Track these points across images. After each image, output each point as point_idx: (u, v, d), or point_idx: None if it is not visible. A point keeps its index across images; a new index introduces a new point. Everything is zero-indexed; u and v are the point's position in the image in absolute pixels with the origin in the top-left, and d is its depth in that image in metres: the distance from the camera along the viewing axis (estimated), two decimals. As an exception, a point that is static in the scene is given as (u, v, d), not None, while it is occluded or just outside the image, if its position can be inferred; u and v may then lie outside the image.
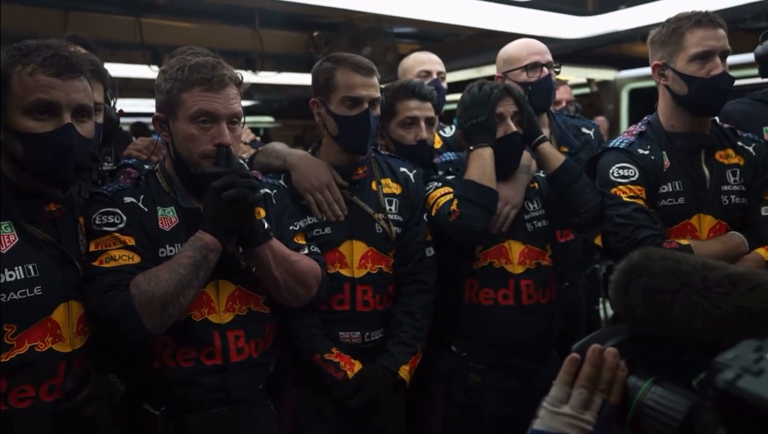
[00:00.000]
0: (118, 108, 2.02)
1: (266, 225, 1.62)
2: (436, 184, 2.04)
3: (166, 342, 1.54)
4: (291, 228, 1.74)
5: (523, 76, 2.30)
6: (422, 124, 2.13)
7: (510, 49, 2.40)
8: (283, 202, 1.78)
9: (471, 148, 1.96)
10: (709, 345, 0.81)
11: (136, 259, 1.49)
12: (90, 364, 1.44)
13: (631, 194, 1.84)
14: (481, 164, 1.92)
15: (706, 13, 1.83)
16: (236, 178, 1.48)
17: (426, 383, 2.04)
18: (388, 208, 1.95)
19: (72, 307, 1.41)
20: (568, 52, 4.72)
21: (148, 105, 7.23)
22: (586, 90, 6.25)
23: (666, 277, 0.89)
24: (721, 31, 1.82)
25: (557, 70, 2.37)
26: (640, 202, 1.83)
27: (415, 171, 2.04)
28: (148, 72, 4.76)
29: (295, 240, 1.73)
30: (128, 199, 1.56)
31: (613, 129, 5.46)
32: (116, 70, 5.25)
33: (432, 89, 2.21)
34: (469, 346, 2.02)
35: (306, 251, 1.72)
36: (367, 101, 1.85)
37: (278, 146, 2.06)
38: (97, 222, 1.51)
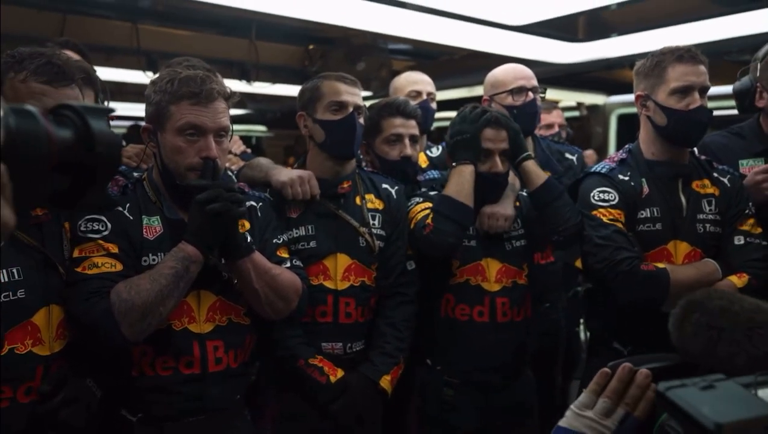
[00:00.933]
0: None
1: (249, 238, 1.65)
2: (418, 199, 2.09)
3: (145, 351, 1.56)
4: (274, 241, 1.77)
5: (509, 100, 2.36)
6: (406, 141, 2.19)
7: (497, 73, 2.47)
8: (268, 215, 1.80)
9: (453, 164, 2.00)
10: None
11: (119, 267, 1.52)
12: (68, 368, 1.46)
13: (611, 217, 1.90)
14: (460, 181, 1.96)
15: (689, 50, 1.89)
16: (221, 191, 1.51)
17: (402, 395, 2.06)
18: (371, 222, 1.99)
19: (53, 311, 1.43)
20: (559, 75, 4.80)
21: (142, 109, 7.24)
22: (576, 113, 6.32)
23: (716, 315, 0.98)
24: (702, 68, 1.89)
25: (542, 94, 2.43)
26: (619, 225, 1.89)
27: (396, 187, 2.10)
28: (143, 77, 4.77)
29: (278, 253, 1.76)
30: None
31: (602, 151, 5.54)
32: (111, 74, 5.29)
33: (416, 107, 2.27)
34: (444, 360, 2.05)
35: (288, 265, 1.75)
36: (352, 106, 1.91)
37: (263, 161, 2.11)
38: (81, 228, 1.53)
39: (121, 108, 7.22)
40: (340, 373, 1.88)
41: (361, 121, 1.98)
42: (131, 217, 1.59)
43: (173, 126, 1.56)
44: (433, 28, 3.97)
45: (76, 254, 1.51)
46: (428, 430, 2.07)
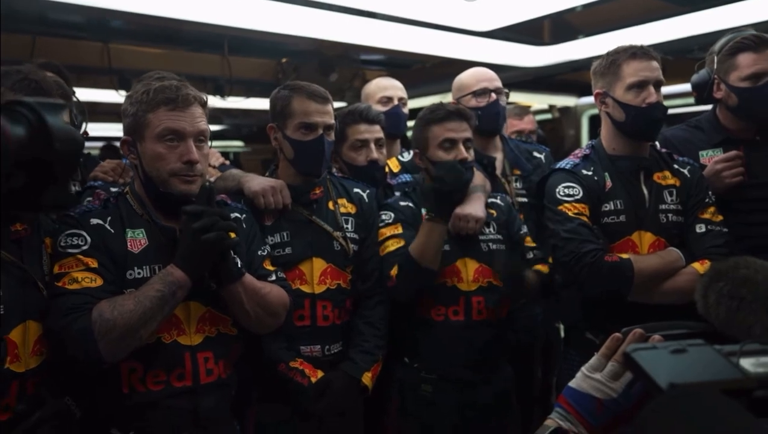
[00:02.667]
0: (82, 131, 2.05)
1: (239, 263, 1.63)
2: (387, 218, 2.10)
3: (134, 367, 1.54)
4: (260, 253, 1.78)
5: (473, 102, 2.43)
6: (372, 145, 2.23)
7: (462, 77, 2.55)
8: (252, 226, 1.82)
9: (426, 216, 1.97)
10: None
11: (99, 282, 1.50)
12: (45, 386, 1.44)
13: (576, 211, 1.95)
14: (429, 242, 1.94)
15: (641, 47, 1.97)
16: (217, 219, 1.51)
17: (381, 393, 2.09)
18: (345, 226, 2.03)
19: (29, 327, 1.42)
20: (529, 79, 4.89)
21: (116, 129, 7.21)
22: (549, 116, 6.43)
23: (739, 284, 0.99)
24: (655, 63, 1.96)
25: (507, 95, 2.49)
26: (584, 218, 1.95)
27: (368, 191, 2.13)
28: (116, 96, 4.76)
29: (264, 265, 1.77)
30: (95, 221, 1.58)
31: (573, 152, 5.64)
32: (84, 94, 5.25)
33: (379, 112, 2.32)
34: (421, 358, 2.08)
35: (274, 277, 1.76)
36: (321, 127, 1.93)
37: (235, 171, 2.14)
38: (61, 244, 1.52)
39: (95, 128, 7.16)
40: (320, 374, 1.90)
41: (331, 137, 2.00)
42: (113, 231, 1.58)
43: (152, 133, 1.56)
44: (403, 37, 4.04)
45: (56, 270, 1.50)
46: (407, 426, 2.09)
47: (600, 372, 0.97)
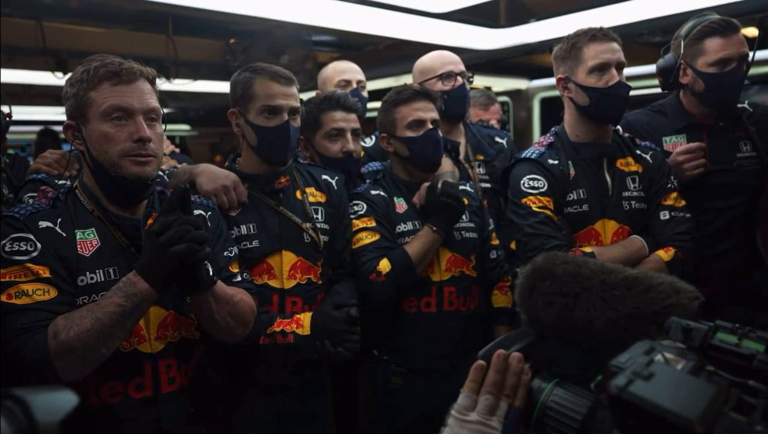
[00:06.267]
0: (6, 112, 1.87)
1: (210, 271, 1.50)
2: (361, 207, 2.04)
3: (87, 378, 1.39)
4: (225, 254, 1.66)
5: (439, 85, 2.37)
6: (348, 135, 2.13)
7: (425, 60, 2.47)
8: (219, 225, 1.69)
9: (433, 227, 1.99)
10: (610, 346, 0.85)
11: (53, 293, 1.35)
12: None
13: (540, 205, 1.93)
14: (429, 251, 1.98)
15: (601, 29, 1.95)
16: (187, 229, 1.33)
17: (350, 383, 2.07)
18: (314, 216, 1.94)
19: None
20: (481, 62, 4.88)
21: (53, 112, 6.83)
22: (505, 98, 6.46)
23: (567, 281, 0.93)
24: (615, 45, 1.94)
25: (471, 79, 2.45)
26: (548, 212, 1.92)
27: (336, 177, 2.04)
28: (52, 78, 4.49)
29: (230, 268, 1.66)
30: (44, 224, 1.41)
31: (526, 134, 5.69)
32: (16, 76, 4.94)
33: (356, 100, 2.22)
34: (390, 350, 2.05)
35: (239, 279, 1.66)
36: (286, 111, 1.82)
37: (185, 165, 2.05)
38: (6, 249, 1.36)
39: (29, 111, 6.78)
40: (305, 318, 1.81)
41: (297, 122, 1.89)
42: (64, 234, 1.42)
43: (96, 113, 1.41)
44: (356, 17, 3.93)
45: (1, 279, 1.34)
46: (378, 418, 2.06)
47: (473, 411, 0.88)
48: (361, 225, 2.01)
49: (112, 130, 1.41)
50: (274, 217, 1.88)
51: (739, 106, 2.20)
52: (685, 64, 2.12)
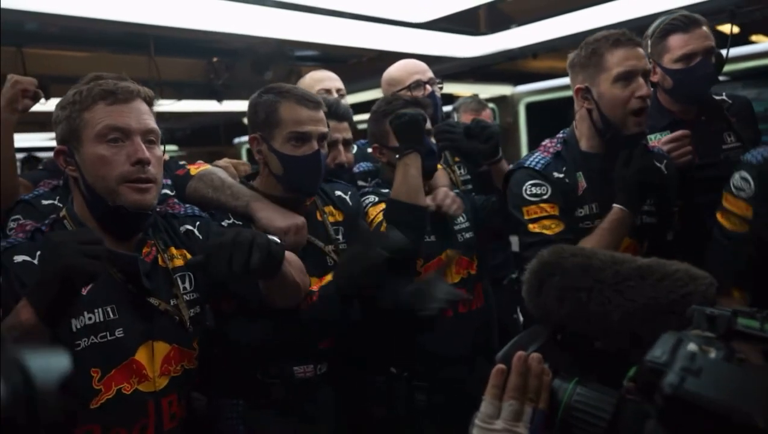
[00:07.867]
0: None
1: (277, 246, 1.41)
2: (372, 198, 1.98)
3: (90, 430, 1.31)
4: None
5: (408, 96, 2.34)
6: (340, 146, 2.07)
7: (391, 71, 2.44)
8: (208, 233, 1.59)
9: (397, 156, 1.87)
10: (628, 338, 0.84)
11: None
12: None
13: (543, 214, 1.81)
14: (407, 177, 1.82)
15: (624, 32, 1.79)
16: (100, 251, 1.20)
17: (358, 406, 1.97)
18: (336, 237, 1.83)
19: None
20: (465, 70, 4.90)
21: (36, 139, 6.78)
22: (492, 105, 6.51)
23: (579, 274, 0.91)
24: (640, 50, 1.81)
25: (440, 86, 2.42)
26: (554, 223, 1.80)
27: (350, 192, 1.93)
28: (35, 105, 4.46)
29: None
30: (19, 258, 1.29)
31: (513, 140, 5.72)
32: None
33: (348, 107, 2.16)
34: (410, 365, 1.97)
35: None
36: (315, 138, 1.68)
37: (223, 175, 1.79)
38: None
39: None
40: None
41: (325, 149, 1.73)
42: None
43: (91, 134, 1.33)
44: (338, 31, 3.95)
45: None
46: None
47: (498, 419, 0.85)
48: (376, 211, 1.95)
49: (108, 152, 1.33)
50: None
51: (718, 98, 2.20)
52: (653, 63, 2.12)
